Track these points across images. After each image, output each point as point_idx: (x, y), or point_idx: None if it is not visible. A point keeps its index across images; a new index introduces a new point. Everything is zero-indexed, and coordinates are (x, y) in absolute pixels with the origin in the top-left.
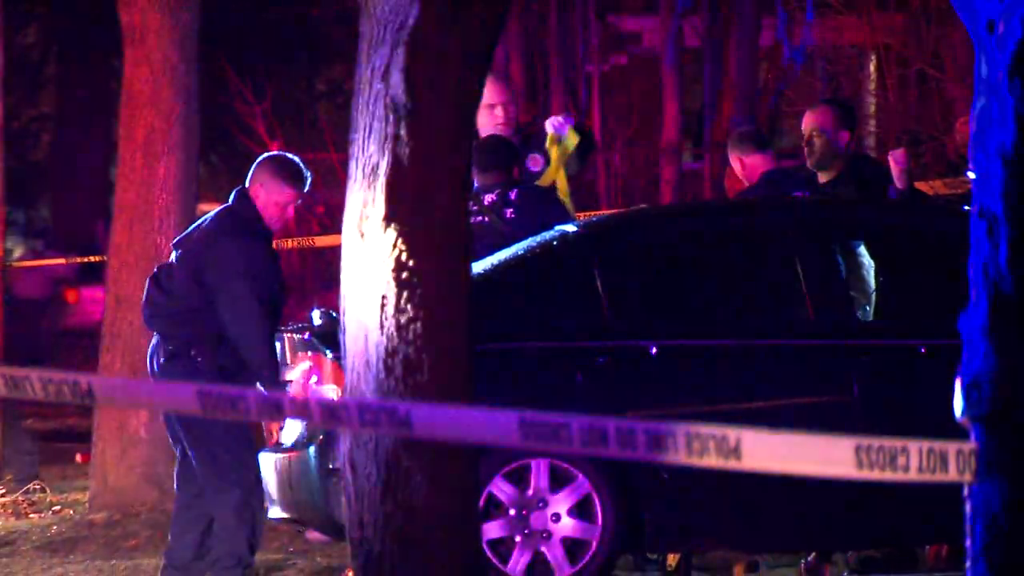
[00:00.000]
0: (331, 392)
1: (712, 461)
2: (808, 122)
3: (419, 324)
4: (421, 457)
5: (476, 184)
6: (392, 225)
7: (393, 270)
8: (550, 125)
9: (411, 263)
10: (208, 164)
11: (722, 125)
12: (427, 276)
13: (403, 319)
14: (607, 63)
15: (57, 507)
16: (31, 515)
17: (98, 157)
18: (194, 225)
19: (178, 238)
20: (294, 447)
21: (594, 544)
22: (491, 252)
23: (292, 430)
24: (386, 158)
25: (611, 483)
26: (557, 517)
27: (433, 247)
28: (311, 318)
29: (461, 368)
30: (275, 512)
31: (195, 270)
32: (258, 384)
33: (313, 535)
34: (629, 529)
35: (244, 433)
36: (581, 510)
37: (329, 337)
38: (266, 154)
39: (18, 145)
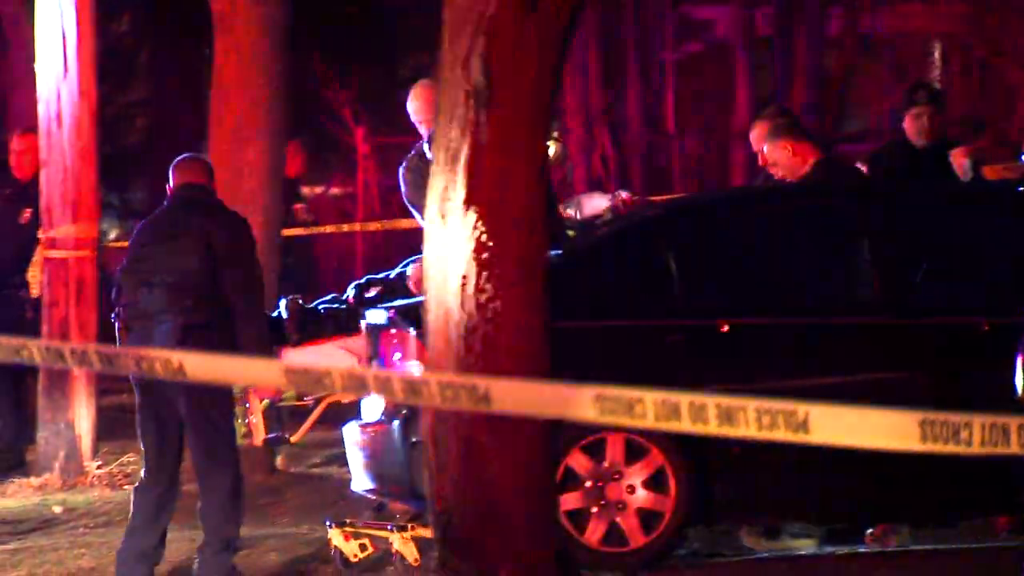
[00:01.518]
0: (414, 368)
1: (781, 435)
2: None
3: (498, 303)
4: (500, 432)
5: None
6: (472, 208)
7: (473, 251)
8: None
9: (491, 244)
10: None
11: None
12: (506, 257)
13: (483, 298)
14: (681, 51)
15: None
16: (125, 487)
17: (190, 142)
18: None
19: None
20: (378, 422)
21: (667, 515)
22: None
23: (375, 405)
24: (467, 143)
25: (684, 456)
26: (632, 489)
27: (512, 229)
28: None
29: (538, 345)
30: (358, 484)
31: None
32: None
33: (396, 505)
34: (701, 501)
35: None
36: (655, 482)
37: (412, 314)
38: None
39: (113, 130)
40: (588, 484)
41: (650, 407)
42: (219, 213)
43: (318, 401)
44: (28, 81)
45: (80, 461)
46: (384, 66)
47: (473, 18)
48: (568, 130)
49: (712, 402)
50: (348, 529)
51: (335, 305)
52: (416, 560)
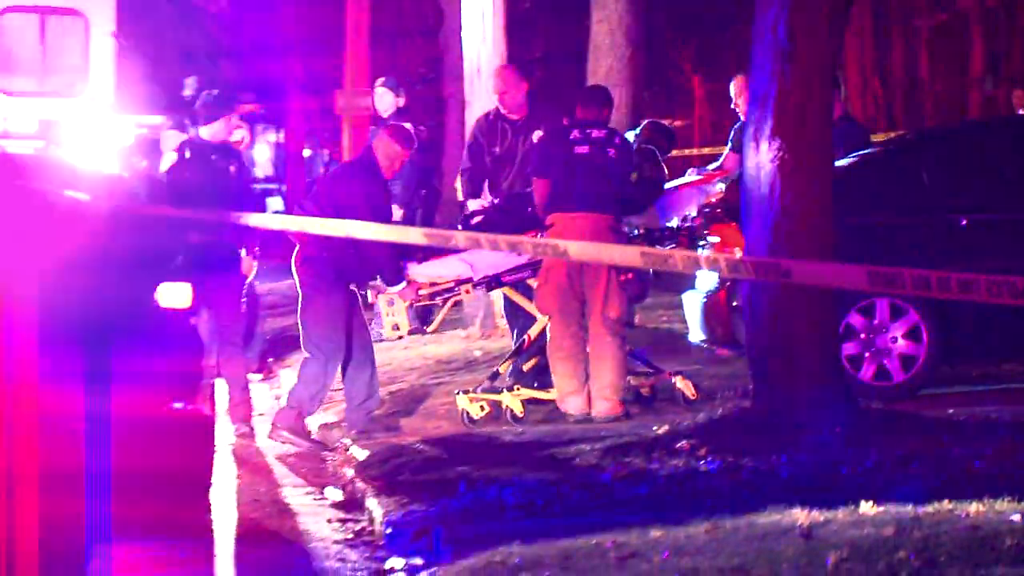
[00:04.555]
0: (737, 252)
1: (1006, 299)
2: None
3: (798, 206)
4: (798, 299)
5: (577, 115)
6: (778, 136)
7: (779, 168)
8: None
9: (791, 161)
10: (651, 94)
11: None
12: (802, 173)
13: (786, 202)
14: (933, 18)
15: None
16: None
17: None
18: None
19: None
20: (710, 291)
21: (920, 359)
22: (587, 182)
23: (708, 278)
24: (774, 88)
25: (933, 315)
26: (895, 339)
27: (807, 153)
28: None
29: (826, 236)
30: (694, 336)
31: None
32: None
33: (722, 351)
34: (945, 348)
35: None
36: (911, 334)
37: (735, 213)
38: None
39: None
40: (863, 336)
41: (907, 280)
42: None
43: (445, 302)
44: (455, 43)
45: (493, 319)
46: (714, 31)
47: None
48: (847, 78)
49: (953, 277)
50: (471, 395)
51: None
52: (521, 412)
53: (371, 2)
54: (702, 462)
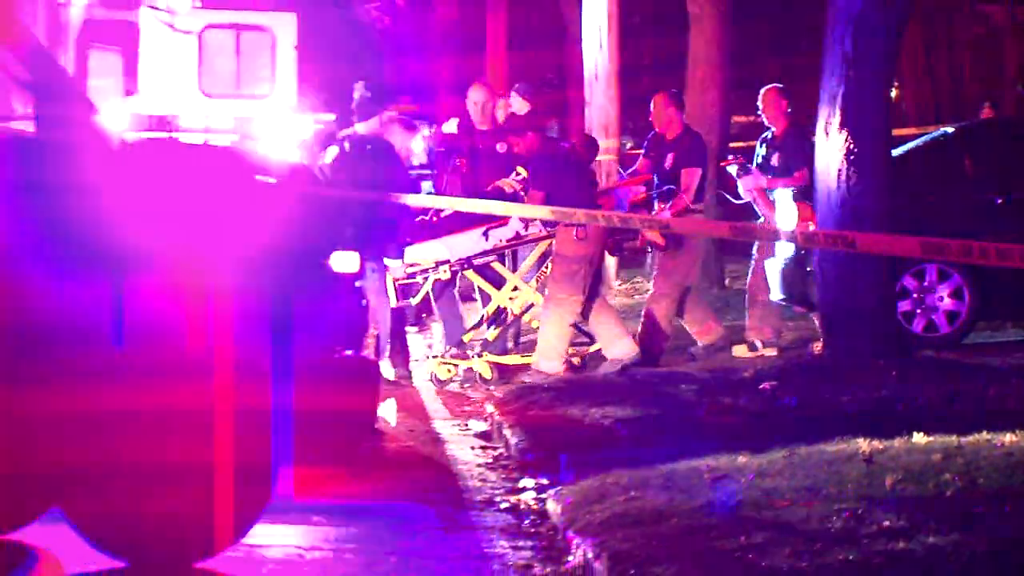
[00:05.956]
0: (810, 226)
1: None
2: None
3: (860, 187)
4: (861, 264)
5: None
6: (845, 127)
7: (845, 154)
8: None
9: (855, 150)
10: (737, 96)
11: None
12: (864, 158)
13: (851, 183)
14: (971, 32)
15: None
16: (635, 296)
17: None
18: None
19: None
20: (788, 258)
21: (963, 314)
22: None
23: (787, 248)
24: (841, 88)
25: (974, 278)
26: (941, 298)
27: (868, 142)
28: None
29: (885, 211)
30: (775, 295)
31: None
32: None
33: (798, 308)
34: (984, 306)
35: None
36: (955, 294)
37: (808, 194)
38: None
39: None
40: (914, 295)
41: (954, 248)
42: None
43: (426, 280)
44: (576, 51)
45: (609, 282)
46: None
47: (845, 13)
48: (902, 81)
49: (992, 246)
50: (439, 360)
51: None
52: (489, 376)
53: (508, 14)
54: (781, 400)
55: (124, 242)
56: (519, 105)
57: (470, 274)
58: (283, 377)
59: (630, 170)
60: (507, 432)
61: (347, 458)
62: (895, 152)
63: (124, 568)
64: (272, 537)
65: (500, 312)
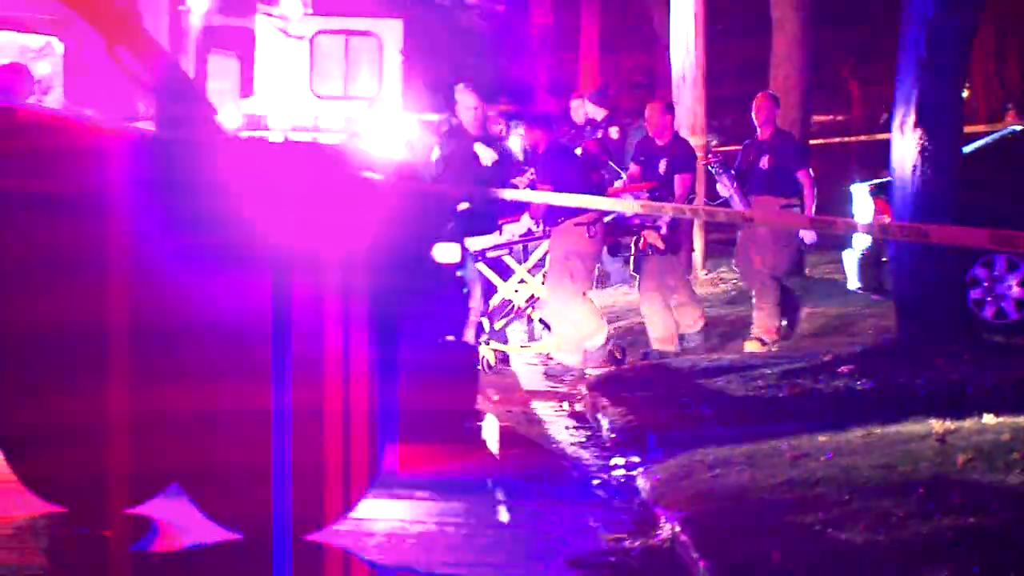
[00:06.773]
0: (886, 219)
1: None
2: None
3: (932, 182)
4: (934, 255)
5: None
6: (919, 126)
7: (919, 152)
8: None
9: (929, 147)
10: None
11: None
12: (937, 155)
13: (925, 179)
14: None
15: None
16: (720, 285)
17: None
18: None
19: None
20: (866, 249)
21: None
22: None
23: (864, 240)
24: (916, 89)
25: None
26: (1010, 287)
27: (940, 140)
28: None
29: (953, 204)
30: (851, 284)
31: None
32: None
33: (874, 296)
34: None
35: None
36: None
37: (885, 188)
38: None
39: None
40: (985, 284)
41: (1021, 240)
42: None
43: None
44: (664, 54)
45: (695, 271)
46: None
47: (919, 17)
48: (973, 82)
49: None
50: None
51: None
52: (494, 362)
53: (600, 19)
54: (858, 383)
55: (268, 241)
56: (594, 111)
57: (481, 266)
58: (391, 363)
59: (627, 174)
60: (599, 413)
61: (449, 437)
62: (966, 149)
63: (238, 540)
64: (378, 511)
65: (505, 303)
